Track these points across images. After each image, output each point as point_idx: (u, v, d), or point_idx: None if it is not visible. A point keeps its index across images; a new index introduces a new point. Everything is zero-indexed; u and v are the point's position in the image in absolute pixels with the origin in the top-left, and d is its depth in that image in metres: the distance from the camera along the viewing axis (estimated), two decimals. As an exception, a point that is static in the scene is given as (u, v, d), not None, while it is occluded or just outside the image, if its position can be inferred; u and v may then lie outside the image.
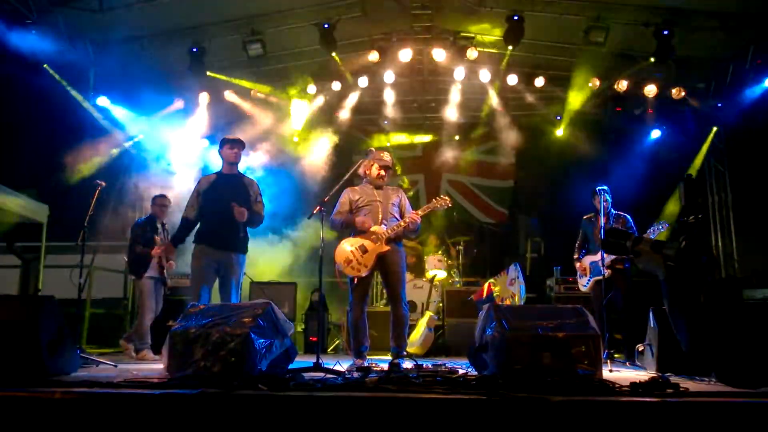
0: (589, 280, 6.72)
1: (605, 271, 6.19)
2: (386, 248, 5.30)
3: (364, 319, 5.35)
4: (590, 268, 6.70)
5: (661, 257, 2.01)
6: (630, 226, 6.60)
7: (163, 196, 7.14)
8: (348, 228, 5.45)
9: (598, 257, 6.30)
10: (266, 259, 8.90)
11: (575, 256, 7.00)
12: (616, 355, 6.18)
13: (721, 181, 9.83)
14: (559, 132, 10.38)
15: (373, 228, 5.32)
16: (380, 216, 5.41)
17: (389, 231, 5.32)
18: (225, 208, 5.28)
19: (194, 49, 8.34)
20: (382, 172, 5.58)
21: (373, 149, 5.73)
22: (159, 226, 6.93)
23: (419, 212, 5.44)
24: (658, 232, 6.15)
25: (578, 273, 6.92)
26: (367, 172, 5.66)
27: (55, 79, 7.89)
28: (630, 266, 6.48)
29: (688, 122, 9.74)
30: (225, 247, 5.36)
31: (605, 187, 6.35)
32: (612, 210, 6.70)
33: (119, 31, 7.75)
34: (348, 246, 5.31)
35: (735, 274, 8.99)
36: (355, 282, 5.30)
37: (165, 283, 7.01)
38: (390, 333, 5.36)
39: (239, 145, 5.60)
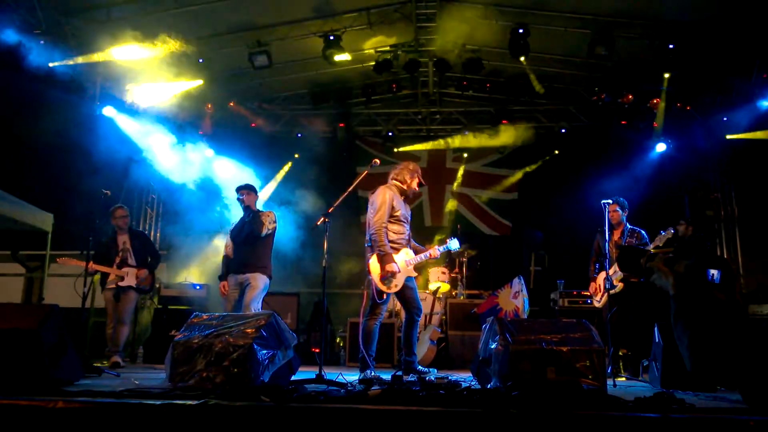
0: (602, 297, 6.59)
1: (617, 284, 6.17)
2: (415, 274, 5.61)
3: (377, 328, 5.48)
4: (604, 283, 6.60)
5: (672, 273, 1.99)
6: (645, 242, 6.49)
7: (121, 207, 7.17)
8: (377, 249, 5.39)
9: (610, 272, 6.24)
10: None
11: (591, 271, 6.84)
12: (623, 372, 6.14)
13: (727, 195, 9.80)
14: (563, 144, 10.39)
15: (406, 258, 5.53)
16: (408, 234, 5.68)
17: (418, 260, 5.62)
18: (241, 243, 6.22)
19: (201, 60, 8.40)
20: (419, 189, 5.87)
21: (378, 161, 5.74)
22: (119, 238, 7.03)
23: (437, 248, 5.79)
24: (665, 238, 6.04)
25: (592, 291, 6.80)
26: (407, 183, 5.74)
27: (61, 88, 7.94)
28: (645, 280, 6.40)
29: (693, 136, 9.73)
30: (242, 270, 6.20)
31: (610, 201, 6.32)
32: (627, 225, 6.64)
33: (126, 41, 7.81)
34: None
35: (741, 289, 8.94)
36: (384, 297, 5.41)
37: (143, 291, 7.18)
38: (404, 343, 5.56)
39: (243, 189, 6.37)
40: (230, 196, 9.36)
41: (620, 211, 6.60)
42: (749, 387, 1.92)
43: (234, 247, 6.36)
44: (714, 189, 9.90)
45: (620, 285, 6.26)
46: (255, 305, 6.06)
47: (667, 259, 2.03)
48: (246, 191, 6.39)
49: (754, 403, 2.02)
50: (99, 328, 8.57)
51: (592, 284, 6.75)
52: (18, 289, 9.18)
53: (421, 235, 10.54)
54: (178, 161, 9.43)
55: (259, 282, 6.12)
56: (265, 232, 6.17)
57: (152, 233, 10.47)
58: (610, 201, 6.33)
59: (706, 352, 1.74)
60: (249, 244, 6.20)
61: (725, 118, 9.10)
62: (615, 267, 6.21)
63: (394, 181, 5.75)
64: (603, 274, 6.65)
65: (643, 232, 6.59)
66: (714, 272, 1.95)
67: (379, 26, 8.46)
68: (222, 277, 6.40)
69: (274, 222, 6.33)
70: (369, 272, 5.40)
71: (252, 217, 6.27)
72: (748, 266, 9.30)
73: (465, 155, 11.29)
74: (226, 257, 6.46)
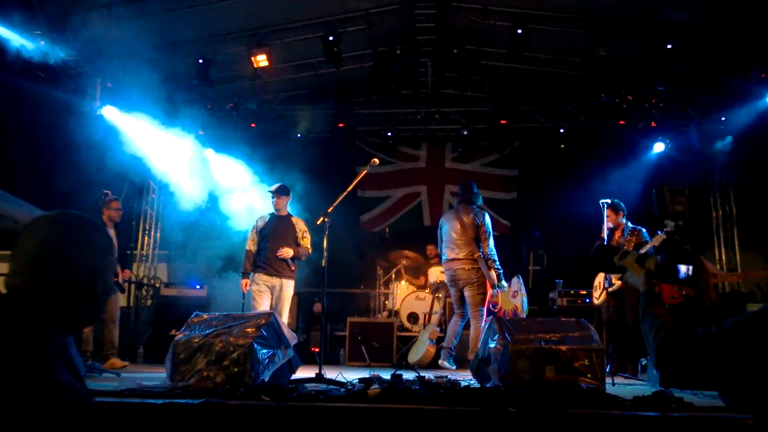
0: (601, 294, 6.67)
1: (615, 282, 6.21)
2: None
3: None
4: (603, 281, 6.66)
5: (643, 270, 2.03)
6: (646, 240, 6.53)
7: (117, 199, 7.18)
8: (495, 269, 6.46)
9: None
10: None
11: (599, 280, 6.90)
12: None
13: (725, 195, 9.83)
14: (563, 145, 10.41)
15: None
16: None
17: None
18: (275, 246, 6.32)
19: (200, 60, 8.41)
20: None
21: (376, 161, 5.76)
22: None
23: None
24: (661, 238, 6.09)
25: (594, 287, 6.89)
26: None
27: (61, 88, 7.95)
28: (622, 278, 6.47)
29: (691, 136, 9.76)
30: (274, 273, 6.36)
31: (609, 201, 6.35)
32: (628, 224, 6.69)
33: (126, 41, 7.82)
34: None
35: (739, 288, 8.97)
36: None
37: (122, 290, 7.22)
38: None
39: (278, 193, 6.52)
40: (230, 194, 9.40)
41: (614, 215, 6.65)
42: (726, 386, 1.97)
43: (264, 244, 6.41)
44: (712, 189, 9.94)
45: (618, 283, 6.29)
46: (286, 313, 6.42)
47: (638, 256, 2.06)
48: (282, 194, 6.54)
49: (732, 402, 2.06)
50: (100, 328, 8.59)
51: (597, 278, 6.85)
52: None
53: (420, 235, 10.61)
54: (176, 161, 9.44)
55: (291, 290, 6.47)
56: (306, 255, 6.49)
57: (152, 232, 10.49)
58: (608, 201, 6.37)
59: (671, 349, 1.77)
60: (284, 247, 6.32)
61: (723, 118, 9.12)
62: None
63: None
64: (600, 275, 6.72)
65: (643, 230, 6.63)
66: (684, 268, 1.99)
67: (379, 26, 8.47)
68: (245, 274, 6.44)
69: (310, 239, 6.59)
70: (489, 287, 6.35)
71: (285, 222, 6.49)
72: (746, 266, 9.32)
73: (464, 155, 11.30)
74: (249, 252, 6.49)
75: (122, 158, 8.65)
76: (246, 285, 6.39)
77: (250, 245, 6.51)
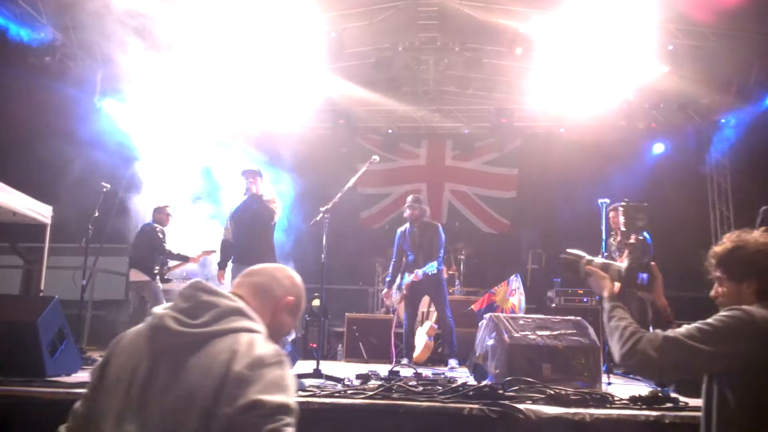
0: None
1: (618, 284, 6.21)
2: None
3: None
4: None
5: (607, 277, 2.30)
6: (648, 243, 6.53)
7: (168, 206, 7.36)
8: None
9: None
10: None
11: None
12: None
13: (723, 196, 9.84)
14: (562, 144, 10.41)
15: None
16: None
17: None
18: (246, 229, 5.90)
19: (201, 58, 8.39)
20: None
21: (376, 158, 5.76)
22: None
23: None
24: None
25: None
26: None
27: (62, 81, 7.94)
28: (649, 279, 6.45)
29: (691, 137, 9.76)
30: (249, 261, 5.74)
31: (608, 200, 6.34)
32: None
33: (127, 33, 7.80)
34: None
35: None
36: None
37: None
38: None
39: (247, 174, 6.04)
40: (228, 188, 9.38)
41: (620, 216, 6.63)
42: (682, 386, 2.25)
43: (236, 233, 6.02)
44: (710, 190, 9.95)
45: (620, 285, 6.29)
46: None
47: (602, 264, 2.30)
48: (252, 176, 6.05)
49: (685, 391, 2.35)
50: (97, 321, 8.60)
51: None
52: (16, 281, 9.18)
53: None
54: (175, 155, 9.42)
55: None
56: (276, 219, 5.94)
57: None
58: (607, 201, 6.36)
59: (636, 346, 1.98)
60: (255, 231, 5.89)
61: (723, 120, 9.13)
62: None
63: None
64: None
65: (645, 233, 6.61)
66: (644, 276, 2.28)
67: (381, 24, 8.46)
68: (221, 265, 6.10)
69: (281, 208, 6.14)
70: None
71: (259, 202, 5.95)
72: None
73: (464, 153, 11.30)
74: (225, 242, 6.12)
75: (122, 150, 8.64)
76: (222, 276, 6.04)
77: (227, 235, 6.14)
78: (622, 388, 4.60)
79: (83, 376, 4.25)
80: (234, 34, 7.89)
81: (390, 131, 11.00)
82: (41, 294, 7.63)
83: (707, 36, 7.87)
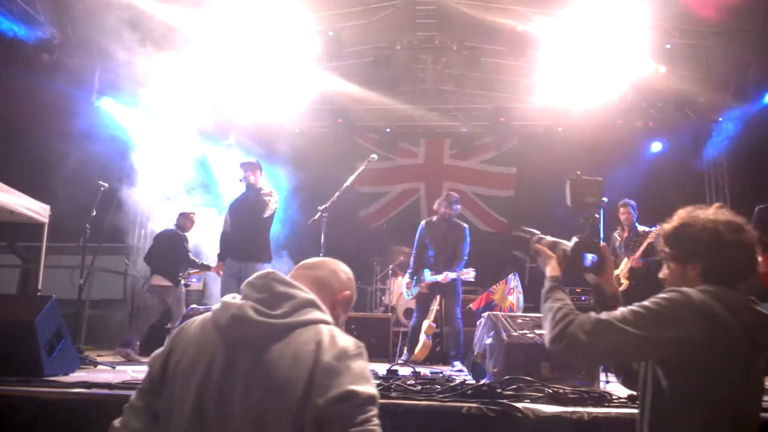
0: None
1: (624, 281, 6.29)
2: None
3: None
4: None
5: (553, 256, 2.16)
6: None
7: (192, 213, 7.62)
8: None
9: (618, 270, 6.42)
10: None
11: None
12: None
13: (721, 195, 9.85)
14: (560, 143, 10.41)
15: None
16: None
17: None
18: (242, 222, 5.82)
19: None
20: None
21: (375, 156, 5.77)
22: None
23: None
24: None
25: None
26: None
27: (59, 79, 7.91)
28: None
29: (689, 136, 9.77)
30: (240, 256, 5.83)
31: (605, 199, 6.36)
32: (636, 224, 6.78)
33: (125, 31, 7.79)
34: None
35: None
36: None
37: None
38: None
39: (246, 166, 5.98)
40: (223, 182, 9.39)
41: (632, 213, 6.77)
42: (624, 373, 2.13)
43: (233, 225, 5.98)
44: (708, 188, 9.96)
45: (626, 283, 6.38)
46: None
47: (550, 243, 2.18)
48: (251, 168, 5.98)
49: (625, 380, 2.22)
50: (95, 320, 8.58)
51: None
52: (13, 280, 9.17)
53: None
54: (173, 155, 9.42)
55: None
56: (268, 212, 5.80)
57: (149, 225, 10.44)
58: (605, 199, 6.38)
59: (568, 329, 1.85)
60: (250, 224, 5.83)
61: (720, 118, 9.14)
62: (624, 263, 6.35)
63: None
64: (614, 272, 6.76)
65: (653, 230, 6.70)
66: (591, 256, 2.12)
67: (379, 22, 8.45)
68: (221, 256, 6.06)
69: (277, 202, 5.99)
70: None
71: (255, 194, 5.87)
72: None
73: (462, 152, 11.30)
74: (224, 234, 6.07)
75: (120, 149, 8.63)
76: (220, 268, 6.01)
77: (226, 227, 6.08)
78: (620, 386, 4.60)
79: (81, 375, 4.24)
80: (232, 32, 7.88)
81: (388, 130, 10.99)
82: (39, 293, 7.62)
83: (704, 35, 7.87)
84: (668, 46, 7.87)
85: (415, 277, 6.75)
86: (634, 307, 1.82)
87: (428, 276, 6.60)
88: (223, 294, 5.92)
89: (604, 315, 1.83)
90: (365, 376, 1.56)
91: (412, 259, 6.85)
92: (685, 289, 1.82)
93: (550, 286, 2.05)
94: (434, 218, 6.78)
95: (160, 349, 1.70)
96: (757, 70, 8.32)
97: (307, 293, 1.67)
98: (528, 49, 8.17)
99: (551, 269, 2.13)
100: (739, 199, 9.53)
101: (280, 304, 1.61)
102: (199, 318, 1.70)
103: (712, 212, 1.95)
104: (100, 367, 5.08)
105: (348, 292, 1.86)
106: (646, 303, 1.82)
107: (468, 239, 6.69)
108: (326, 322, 1.63)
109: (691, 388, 1.77)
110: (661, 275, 2.04)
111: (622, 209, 6.67)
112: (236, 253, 5.86)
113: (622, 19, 7.54)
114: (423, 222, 6.88)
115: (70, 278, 6.06)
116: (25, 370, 3.80)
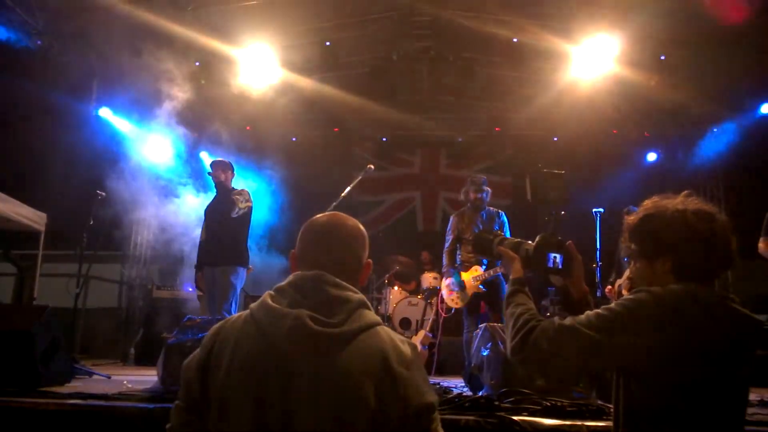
0: None
1: (624, 294, 6.23)
2: None
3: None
4: (616, 288, 6.61)
5: (516, 257, 2.03)
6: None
7: None
8: None
9: (621, 279, 6.35)
10: (262, 271, 8.89)
11: (610, 280, 6.70)
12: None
13: (716, 203, 9.86)
14: (556, 152, 10.46)
15: None
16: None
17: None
18: (214, 225, 5.59)
19: (197, 63, 8.41)
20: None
21: (372, 167, 5.78)
22: None
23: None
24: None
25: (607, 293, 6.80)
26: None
27: (58, 88, 7.91)
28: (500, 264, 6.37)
29: (683, 146, 9.82)
30: (211, 261, 5.58)
31: (601, 210, 6.39)
32: None
33: (123, 41, 7.80)
34: None
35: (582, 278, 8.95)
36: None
37: None
38: None
39: (215, 165, 5.79)
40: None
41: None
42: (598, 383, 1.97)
43: (207, 231, 5.67)
44: (704, 198, 9.97)
45: (625, 293, 6.32)
46: (228, 309, 5.27)
47: (513, 243, 2.06)
48: (221, 168, 5.70)
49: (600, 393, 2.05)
50: (90, 329, 8.54)
51: (608, 288, 6.83)
52: (9, 289, 9.12)
53: (413, 240, 10.60)
54: (172, 163, 9.40)
55: (229, 280, 5.33)
56: (236, 212, 5.35)
57: (145, 233, 10.40)
58: (601, 210, 6.41)
59: (528, 339, 1.70)
60: (221, 228, 5.47)
61: (715, 129, 9.19)
62: (626, 274, 6.35)
63: None
64: (618, 282, 6.70)
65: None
66: (555, 256, 1.95)
67: (375, 33, 8.49)
68: (198, 267, 5.70)
69: (249, 201, 5.53)
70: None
71: (224, 193, 5.58)
72: (736, 276, 9.35)
73: (458, 161, 11.33)
74: (201, 243, 5.74)
75: (117, 158, 8.61)
76: (200, 280, 5.67)
77: (203, 236, 5.76)
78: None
79: (76, 385, 4.22)
80: (231, 38, 7.91)
81: (384, 139, 11.01)
82: (34, 302, 7.58)
83: (699, 46, 7.93)
84: (662, 57, 7.92)
85: (456, 273, 5.99)
86: (600, 310, 1.64)
87: (473, 274, 5.87)
88: (203, 308, 5.60)
89: (568, 320, 1.64)
90: (428, 381, 1.51)
91: (444, 256, 6.16)
92: (654, 288, 1.62)
93: (511, 290, 1.90)
94: (464, 209, 6.17)
95: (195, 358, 1.57)
96: (752, 80, 8.38)
97: (356, 293, 1.56)
98: (523, 60, 8.22)
99: (514, 271, 1.97)
100: (735, 210, 9.58)
101: (337, 309, 1.49)
102: (238, 322, 1.57)
103: (679, 201, 1.77)
104: (95, 377, 5.06)
105: (369, 261, 1.72)
106: (613, 305, 1.63)
107: (507, 227, 6.13)
108: (379, 323, 1.54)
109: (664, 403, 1.56)
110: (628, 274, 1.93)
111: (626, 217, 6.58)
112: (209, 258, 5.56)
113: (616, 30, 7.61)
114: (453, 216, 6.28)
115: (65, 287, 6.03)
116: (21, 380, 3.78)
